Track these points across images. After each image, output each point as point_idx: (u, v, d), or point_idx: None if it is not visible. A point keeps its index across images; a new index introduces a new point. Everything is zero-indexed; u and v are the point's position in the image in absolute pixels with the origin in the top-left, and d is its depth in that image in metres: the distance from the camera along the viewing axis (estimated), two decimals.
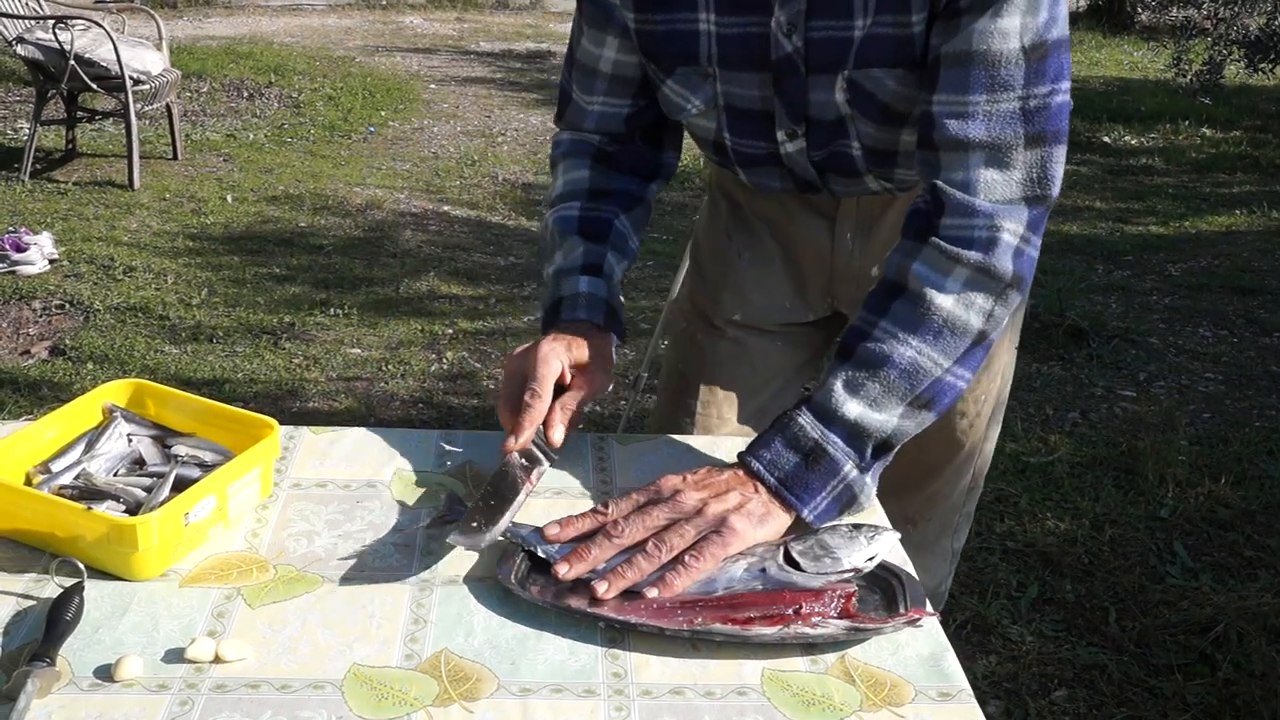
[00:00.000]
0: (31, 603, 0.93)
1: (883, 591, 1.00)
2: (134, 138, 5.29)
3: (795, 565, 0.98)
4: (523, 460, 1.11)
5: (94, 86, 5.24)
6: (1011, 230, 1.10)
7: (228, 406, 1.13)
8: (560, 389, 1.17)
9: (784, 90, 1.21)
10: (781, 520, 1.05)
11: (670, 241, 4.97)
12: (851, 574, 0.98)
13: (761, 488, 1.06)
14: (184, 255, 4.61)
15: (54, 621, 0.88)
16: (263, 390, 3.51)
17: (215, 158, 6.07)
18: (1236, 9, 8.16)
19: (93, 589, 0.94)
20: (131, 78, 5.22)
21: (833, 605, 0.94)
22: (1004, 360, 1.51)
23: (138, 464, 1.09)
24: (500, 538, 1.00)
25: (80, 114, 5.76)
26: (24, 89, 7.04)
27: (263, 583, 0.97)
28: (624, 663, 0.90)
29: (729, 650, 0.92)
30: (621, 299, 1.28)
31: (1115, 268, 4.99)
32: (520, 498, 1.06)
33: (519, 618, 0.94)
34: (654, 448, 1.25)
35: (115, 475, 1.07)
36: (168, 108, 5.73)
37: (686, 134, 1.39)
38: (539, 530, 1.01)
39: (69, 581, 0.94)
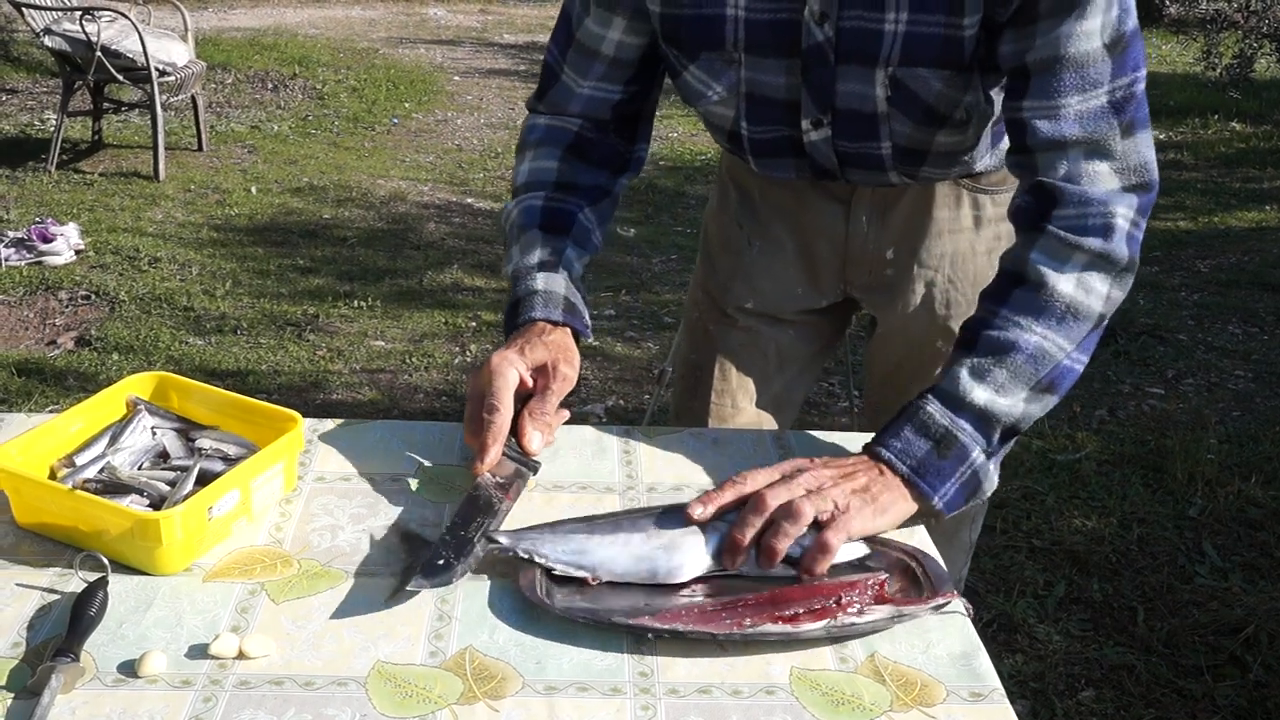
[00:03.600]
0: (56, 597, 0.93)
1: (902, 573, 1.00)
2: (159, 129, 5.31)
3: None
4: (497, 479, 1.07)
5: (120, 78, 5.26)
6: (1124, 215, 1.12)
7: (251, 400, 1.12)
8: (528, 396, 1.13)
9: (812, 79, 1.21)
10: (903, 509, 1.05)
11: (694, 235, 4.96)
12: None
13: (890, 474, 1.06)
14: (208, 246, 4.63)
15: (78, 616, 0.88)
16: (287, 382, 3.52)
17: (240, 149, 6.09)
18: (1268, 2, 8.06)
19: (116, 584, 0.94)
20: (157, 69, 5.24)
21: (868, 594, 0.94)
22: None
23: (161, 457, 1.09)
24: (507, 553, 0.97)
25: (106, 105, 5.79)
26: (51, 80, 7.08)
27: (286, 578, 0.97)
28: (650, 662, 0.89)
29: (756, 648, 0.91)
30: (582, 293, 1.24)
31: (1143, 264, 4.90)
32: (499, 520, 1.02)
33: (544, 616, 0.93)
34: (680, 440, 1.24)
35: (139, 469, 1.06)
36: (193, 99, 5.74)
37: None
38: (544, 533, 0.98)
39: (93, 576, 0.93)
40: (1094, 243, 1.11)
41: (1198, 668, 2.30)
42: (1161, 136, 7.24)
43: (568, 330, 1.18)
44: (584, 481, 1.14)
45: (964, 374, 1.09)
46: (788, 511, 0.98)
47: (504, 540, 0.97)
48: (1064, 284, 1.11)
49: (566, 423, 1.18)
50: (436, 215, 5.21)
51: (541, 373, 1.14)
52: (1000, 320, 1.11)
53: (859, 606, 0.92)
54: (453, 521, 1.00)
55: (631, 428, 1.26)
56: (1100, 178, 1.12)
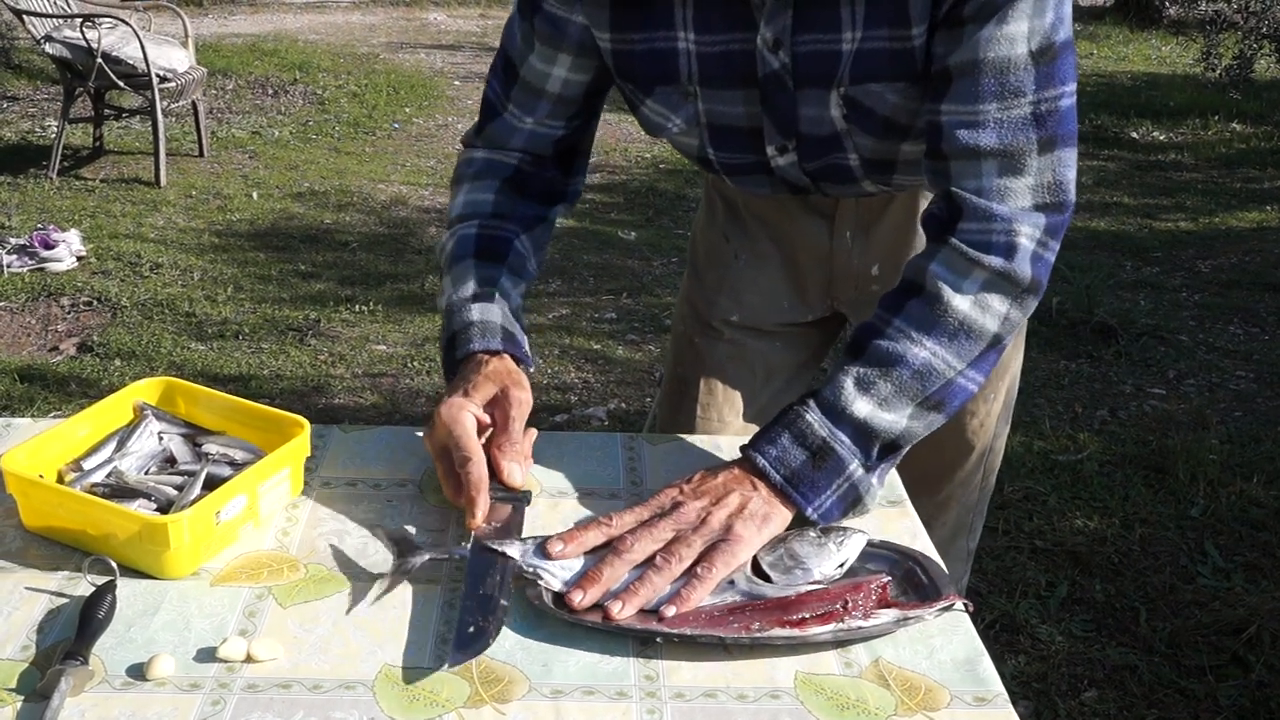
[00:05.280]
0: (64, 601, 0.93)
1: (904, 576, 1.00)
2: (160, 135, 5.32)
3: (765, 577, 0.98)
4: (494, 524, 1.04)
5: (121, 84, 5.27)
6: (1029, 235, 1.09)
7: (258, 405, 1.13)
8: (491, 432, 1.11)
9: (772, 107, 1.19)
10: (784, 517, 1.04)
11: None
12: (821, 584, 0.96)
13: (762, 485, 1.04)
14: (210, 252, 4.63)
15: (87, 620, 0.88)
16: (289, 387, 3.52)
17: (241, 154, 6.10)
18: (1268, 2, 8.07)
19: (125, 587, 0.94)
20: (158, 75, 5.25)
21: (872, 597, 0.94)
22: (1013, 357, 1.50)
23: (169, 462, 1.09)
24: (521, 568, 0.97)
25: (107, 112, 5.80)
26: (52, 87, 7.09)
27: (294, 582, 0.97)
28: (656, 665, 0.89)
29: (762, 652, 0.91)
30: (520, 324, 1.20)
31: (1144, 264, 4.95)
32: (513, 565, 0.99)
33: (550, 620, 0.93)
34: (683, 448, 1.24)
35: (146, 473, 1.07)
36: (194, 105, 5.75)
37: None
38: (546, 551, 0.98)
39: (101, 580, 0.94)
40: (995, 261, 1.08)
41: (1200, 668, 2.31)
42: (1162, 138, 7.25)
43: (507, 357, 1.15)
44: (588, 488, 1.14)
45: (848, 383, 1.07)
46: (651, 561, 0.96)
47: (515, 554, 0.97)
48: (960, 300, 1.08)
49: (569, 427, 1.18)
50: (437, 219, 5.22)
51: (495, 405, 1.11)
52: (892, 330, 1.08)
53: (864, 610, 0.93)
54: (468, 583, 0.96)
55: (635, 434, 1.26)
56: (1011, 194, 1.09)
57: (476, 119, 1.32)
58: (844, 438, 1.06)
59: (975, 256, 1.08)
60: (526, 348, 1.19)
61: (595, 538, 0.99)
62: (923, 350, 1.07)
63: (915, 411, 1.08)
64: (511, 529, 1.03)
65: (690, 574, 0.96)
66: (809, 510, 1.04)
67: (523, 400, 1.11)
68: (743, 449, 1.08)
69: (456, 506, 1.07)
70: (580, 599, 0.93)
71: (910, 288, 1.11)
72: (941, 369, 1.08)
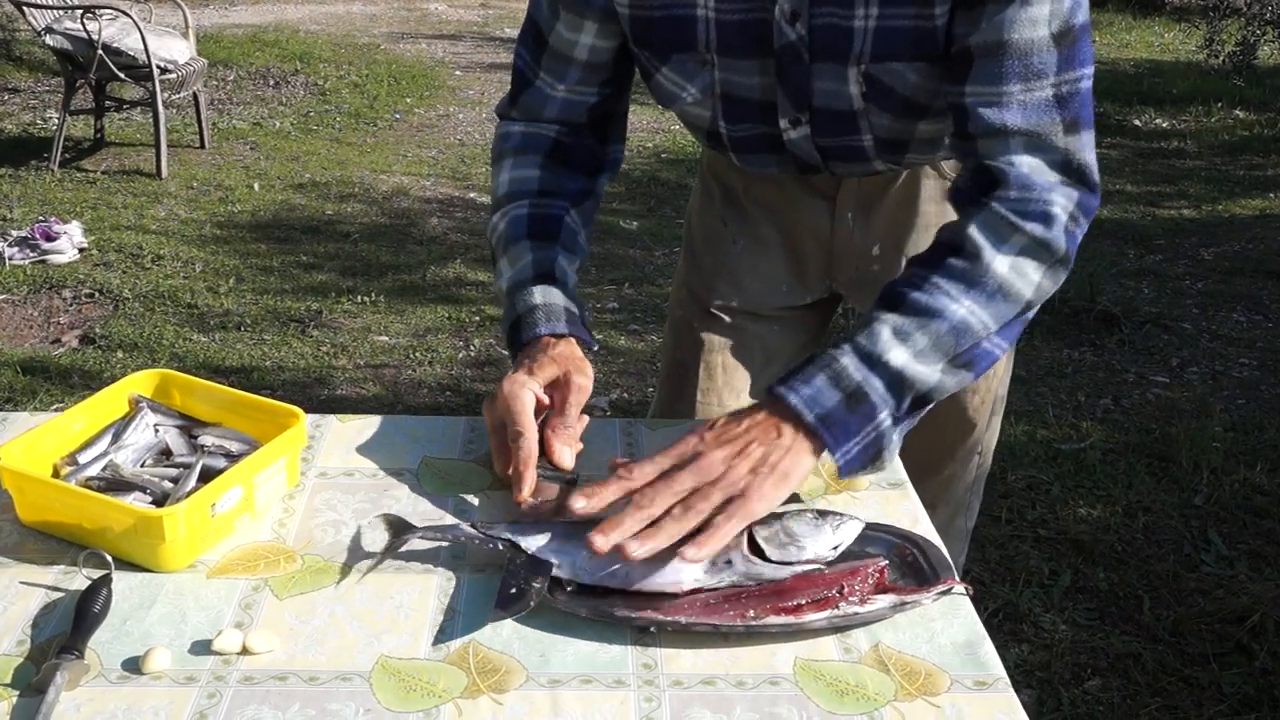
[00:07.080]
0: (60, 595, 0.93)
1: (903, 560, 0.99)
2: (161, 126, 5.31)
3: (759, 552, 0.97)
4: (541, 500, 1.05)
5: (122, 76, 5.26)
6: (1064, 206, 1.10)
7: (254, 396, 1.12)
8: (548, 413, 1.12)
9: (787, 79, 1.19)
10: (805, 467, 1.02)
11: None
12: (815, 563, 0.96)
13: (788, 428, 1.02)
14: (211, 243, 4.63)
15: (82, 613, 0.88)
16: (291, 378, 3.52)
17: (242, 146, 6.08)
18: None
19: (120, 581, 0.94)
20: (159, 66, 5.24)
21: (869, 582, 0.94)
22: None
23: (164, 455, 1.09)
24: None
25: (108, 103, 5.79)
26: (53, 79, 7.08)
27: (290, 573, 0.97)
28: (654, 654, 0.89)
29: (759, 638, 0.91)
30: (580, 303, 1.21)
31: (1147, 252, 4.93)
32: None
33: (547, 609, 0.93)
34: (683, 431, 1.23)
35: (142, 466, 1.07)
36: (194, 96, 5.74)
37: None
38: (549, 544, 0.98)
39: (97, 573, 0.93)
40: (1034, 228, 1.08)
41: (1204, 656, 2.30)
42: (1165, 125, 7.22)
43: (573, 340, 1.16)
44: (588, 475, 1.13)
45: (885, 332, 1.06)
46: (669, 513, 0.95)
47: (523, 545, 0.97)
48: (999, 263, 1.08)
49: None
50: (439, 210, 5.21)
51: (556, 387, 1.12)
52: (929, 286, 1.08)
53: (861, 595, 0.92)
54: (510, 553, 0.97)
55: (633, 419, 1.26)
56: (1041, 170, 1.09)
57: (509, 89, 1.32)
58: (878, 384, 1.04)
59: (1015, 221, 1.08)
60: (586, 326, 1.20)
61: (614, 491, 0.98)
62: (960, 308, 1.07)
63: (947, 367, 1.07)
64: (557, 509, 1.04)
65: (708, 523, 0.95)
66: (836, 454, 1.03)
67: (583, 387, 1.12)
68: (771, 389, 1.06)
69: (505, 480, 1.09)
70: (602, 541, 0.92)
71: (948, 248, 1.10)
72: (977, 328, 1.08)
